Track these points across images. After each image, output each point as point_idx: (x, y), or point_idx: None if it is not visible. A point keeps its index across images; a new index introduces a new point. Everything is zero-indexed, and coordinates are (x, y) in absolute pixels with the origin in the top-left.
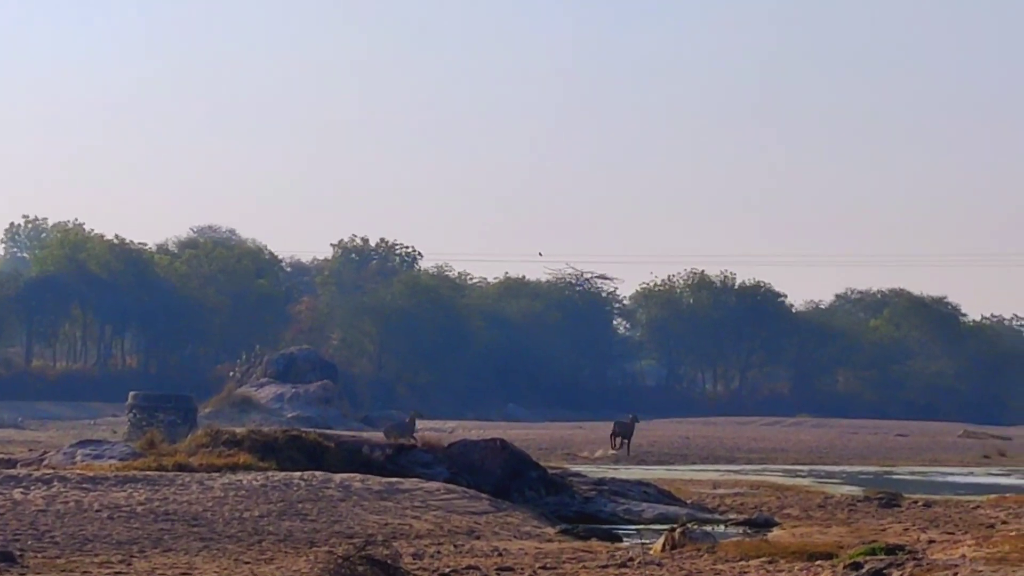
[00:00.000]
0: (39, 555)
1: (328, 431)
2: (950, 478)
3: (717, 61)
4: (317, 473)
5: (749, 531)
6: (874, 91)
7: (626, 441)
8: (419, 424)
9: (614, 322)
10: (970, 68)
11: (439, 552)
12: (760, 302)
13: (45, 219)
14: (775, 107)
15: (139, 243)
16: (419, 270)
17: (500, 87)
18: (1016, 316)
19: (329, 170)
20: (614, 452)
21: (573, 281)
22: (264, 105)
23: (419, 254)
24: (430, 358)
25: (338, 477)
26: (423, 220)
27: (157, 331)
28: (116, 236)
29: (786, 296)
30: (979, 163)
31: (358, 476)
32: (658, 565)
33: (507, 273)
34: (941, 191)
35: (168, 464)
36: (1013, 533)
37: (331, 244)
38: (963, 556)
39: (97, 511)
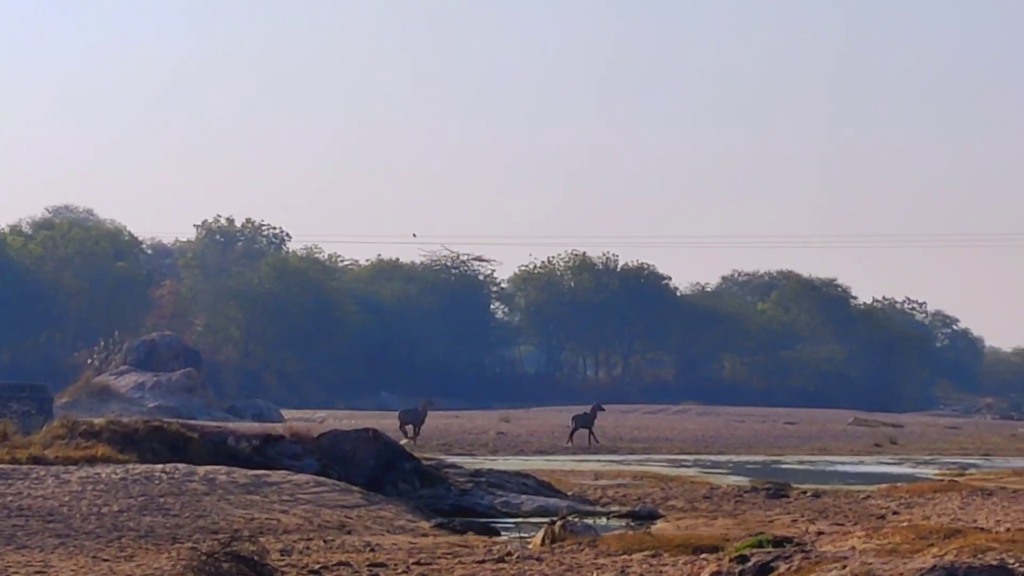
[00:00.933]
0: None
1: (192, 421)
2: (840, 467)
3: (584, 38)
4: (180, 466)
5: (632, 524)
6: (755, 68)
7: (590, 432)
8: (286, 414)
9: (492, 306)
10: (855, 49)
11: (308, 548)
12: (644, 285)
13: None
14: (654, 87)
15: None
16: (287, 252)
17: (364, 62)
18: (908, 299)
19: (192, 148)
20: (570, 445)
21: (449, 263)
22: (121, 81)
23: (287, 235)
24: (299, 344)
25: (202, 470)
26: (291, 200)
27: (10, 316)
28: None
29: (671, 278)
30: (868, 142)
31: (223, 469)
32: (537, 560)
33: (380, 255)
34: (831, 170)
35: (22, 457)
36: (904, 524)
37: (194, 225)
38: (853, 548)
39: None
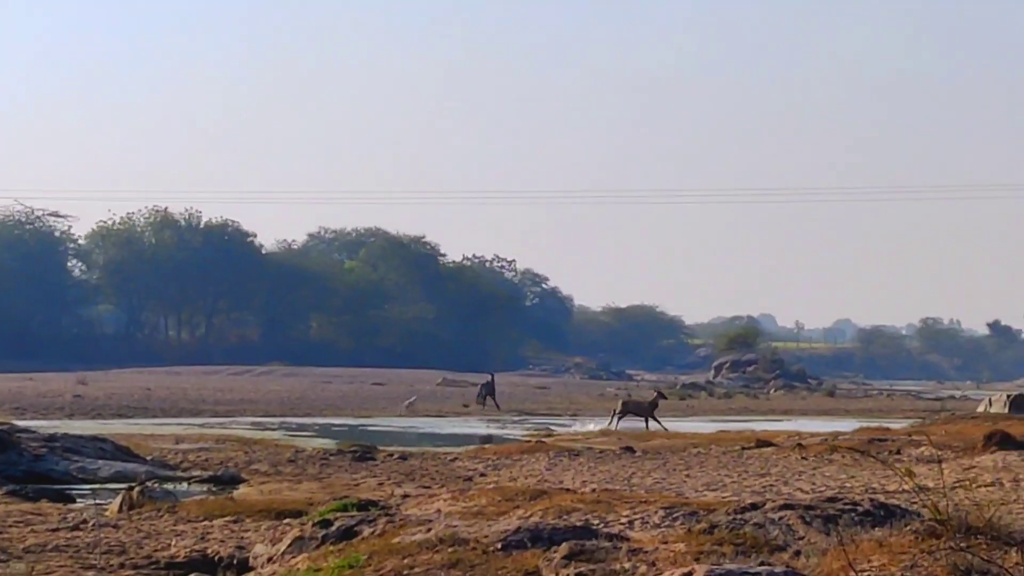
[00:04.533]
0: None
1: None
2: (428, 429)
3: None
4: None
5: (214, 489)
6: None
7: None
8: None
9: (69, 264)
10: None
11: None
12: (228, 242)
13: None
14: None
15: None
16: None
17: None
18: (497, 257)
19: None
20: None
21: (23, 219)
22: None
23: None
24: None
25: None
26: None
27: None
28: None
29: (256, 235)
30: (455, 96)
31: None
32: (114, 527)
33: None
34: (419, 125)
35: None
36: (490, 486)
37: None
38: (438, 511)
39: None
